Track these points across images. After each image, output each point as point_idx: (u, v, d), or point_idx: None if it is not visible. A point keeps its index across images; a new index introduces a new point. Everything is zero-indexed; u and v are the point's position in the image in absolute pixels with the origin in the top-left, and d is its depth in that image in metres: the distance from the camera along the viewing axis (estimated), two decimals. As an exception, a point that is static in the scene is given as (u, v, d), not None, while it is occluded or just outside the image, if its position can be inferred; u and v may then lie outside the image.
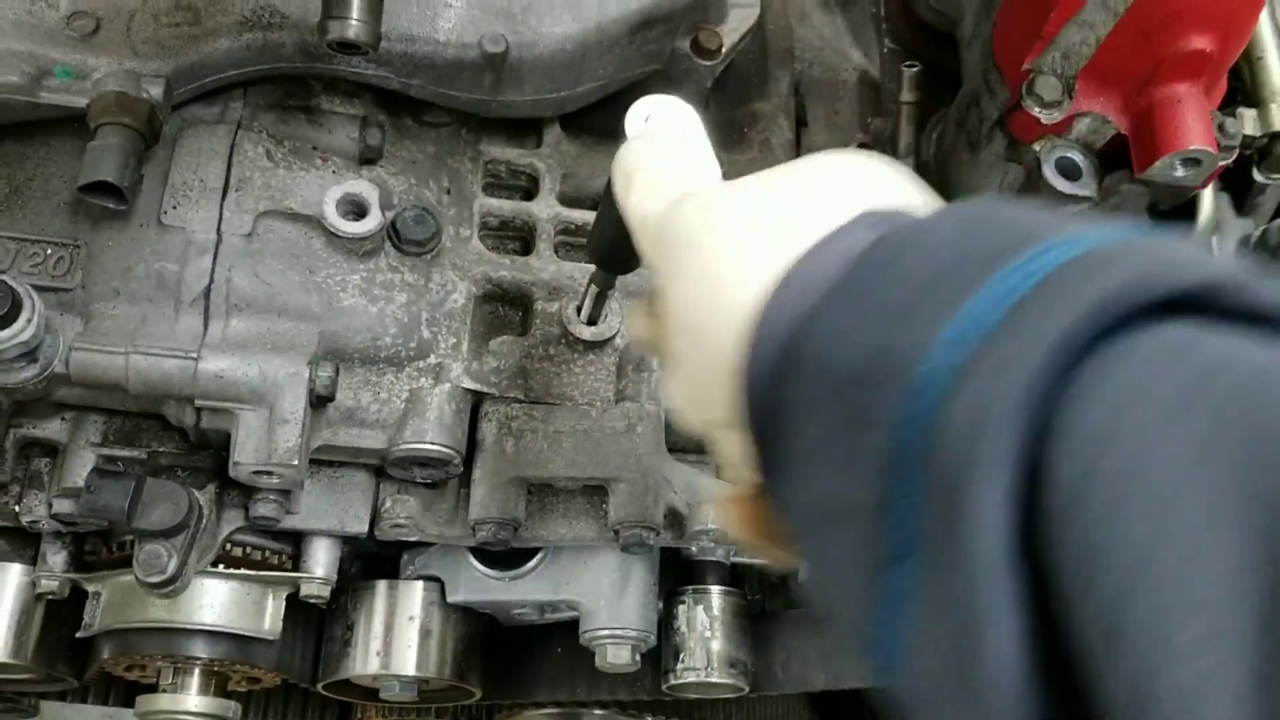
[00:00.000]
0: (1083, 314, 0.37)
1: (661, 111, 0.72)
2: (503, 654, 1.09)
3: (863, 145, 1.07)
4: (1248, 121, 0.88)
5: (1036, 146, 0.83)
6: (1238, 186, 0.99)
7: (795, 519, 0.48)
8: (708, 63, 1.03)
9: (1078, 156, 0.82)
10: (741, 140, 1.10)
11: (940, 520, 0.38)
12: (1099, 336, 0.37)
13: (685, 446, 0.99)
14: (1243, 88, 0.93)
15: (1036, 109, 0.80)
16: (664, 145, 0.65)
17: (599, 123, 1.05)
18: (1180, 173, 0.78)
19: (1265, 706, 0.31)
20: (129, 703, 1.15)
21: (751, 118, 1.10)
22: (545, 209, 1.01)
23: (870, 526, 0.41)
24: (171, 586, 0.88)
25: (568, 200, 1.03)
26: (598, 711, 1.15)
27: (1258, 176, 0.95)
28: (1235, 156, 0.82)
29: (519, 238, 1.03)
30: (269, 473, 0.86)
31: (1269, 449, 0.33)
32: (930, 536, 0.38)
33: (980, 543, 0.36)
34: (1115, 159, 0.82)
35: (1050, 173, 0.81)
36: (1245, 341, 0.37)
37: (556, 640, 1.08)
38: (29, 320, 0.80)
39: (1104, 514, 0.34)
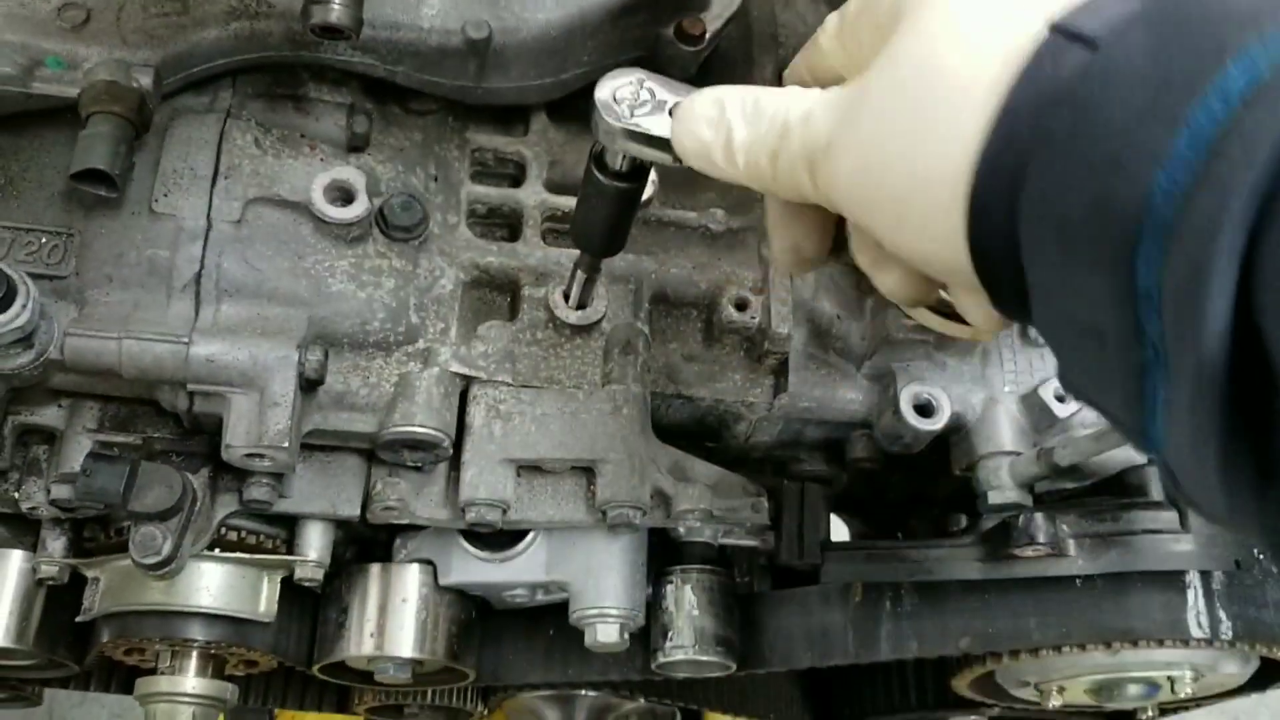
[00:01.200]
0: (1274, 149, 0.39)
1: (621, 79, 0.73)
2: (495, 637, 1.11)
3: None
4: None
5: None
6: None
7: (1050, 340, 0.51)
8: (692, 49, 1.04)
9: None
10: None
11: (1177, 342, 0.42)
12: None
13: (670, 431, 1.01)
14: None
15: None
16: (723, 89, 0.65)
17: (585, 110, 1.05)
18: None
19: None
20: (129, 689, 1.17)
21: (736, 104, 1.11)
22: (532, 196, 1.03)
23: (1125, 344, 0.45)
24: (167, 568, 0.89)
25: (555, 187, 1.04)
26: (590, 694, 1.16)
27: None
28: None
29: (506, 225, 1.04)
30: (260, 455, 0.87)
31: None
32: (1172, 355, 0.43)
33: (1209, 368, 0.40)
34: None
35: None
36: None
37: (548, 623, 1.10)
38: (24, 305, 0.82)
39: None
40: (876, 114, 0.55)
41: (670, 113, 0.69)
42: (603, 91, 0.70)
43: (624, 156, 0.75)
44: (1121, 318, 0.44)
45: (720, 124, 0.63)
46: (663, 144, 0.69)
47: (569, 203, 1.03)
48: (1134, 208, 0.43)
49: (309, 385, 0.89)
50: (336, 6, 0.79)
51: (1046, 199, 0.47)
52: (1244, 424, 0.41)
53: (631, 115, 0.70)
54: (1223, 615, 0.90)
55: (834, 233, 0.69)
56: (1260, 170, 0.39)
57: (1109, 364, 0.47)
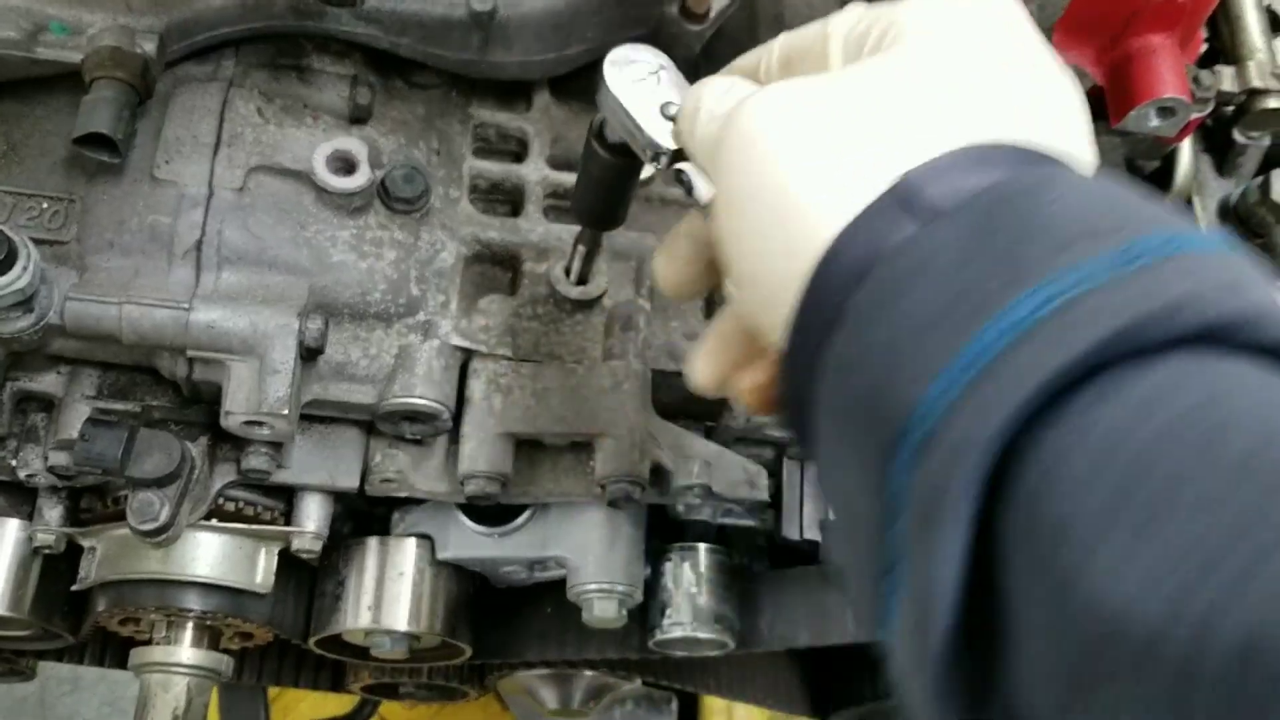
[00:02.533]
0: (1040, 384, 0.39)
1: (640, 58, 0.72)
2: (492, 615, 1.11)
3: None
4: (1225, 78, 0.89)
5: (1014, 100, 0.84)
6: (1219, 150, 1.00)
7: (824, 493, 0.52)
8: (696, 27, 1.04)
9: (1055, 109, 0.83)
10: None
11: (917, 549, 0.42)
12: (1079, 385, 0.40)
13: (670, 410, 1.01)
14: (1222, 48, 0.94)
15: (1013, 60, 0.81)
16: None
17: (588, 87, 1.05)
18: (1155, 122, 0.79)
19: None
20: (123, 662, 1.16)
21: (740, 84, 1.11)
22: (534, 172, 1.03)
23: (875, 534, 0.44)
24: (164, 535, 0.89)
25: (557, 164, 1.04)
26: (588, 672, 1.16)
27: (1238, 136, 0.96)
28: (1211, 110, 0.83)
29: (508, 200, 1.04)
30: (260, 423, 0.87)
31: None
32: (910, 557, 0.42)
33: (940, 582, 0.40)
34: (1092, 112, 0.83)
35: (1028, 126, 0.82)
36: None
37: (546, 601, 1.10)
38: (24, 268, 0.81)
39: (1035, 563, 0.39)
40: (734, 192, 0.55)
41: (665, 115, 0.68)
42: (613, 65, 0.70)
43: None
44: (873, 513, 0.44)
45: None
46: (649, 144, 0.68)
47: (571, 179, 1.02)
48: (902, 411, 0.42)
49: (309, 354, 0.89)
50: (342, -29, 0.79)
51: (834, 373, 0.47)
52: (961, 680, 0.41)
53: (635, 99, 0.70)
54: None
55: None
56: (1016, 406, 0.39)
57: (860, 549, 0.46)
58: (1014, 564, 0.40)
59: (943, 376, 0.41)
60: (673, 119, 0.67)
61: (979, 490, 0.39)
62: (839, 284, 0.47)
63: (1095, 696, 0.36)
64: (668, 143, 0.67)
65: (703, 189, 0.64)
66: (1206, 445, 0.37)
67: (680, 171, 0.65)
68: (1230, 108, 0.94)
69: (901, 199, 0.47)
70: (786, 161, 0.51)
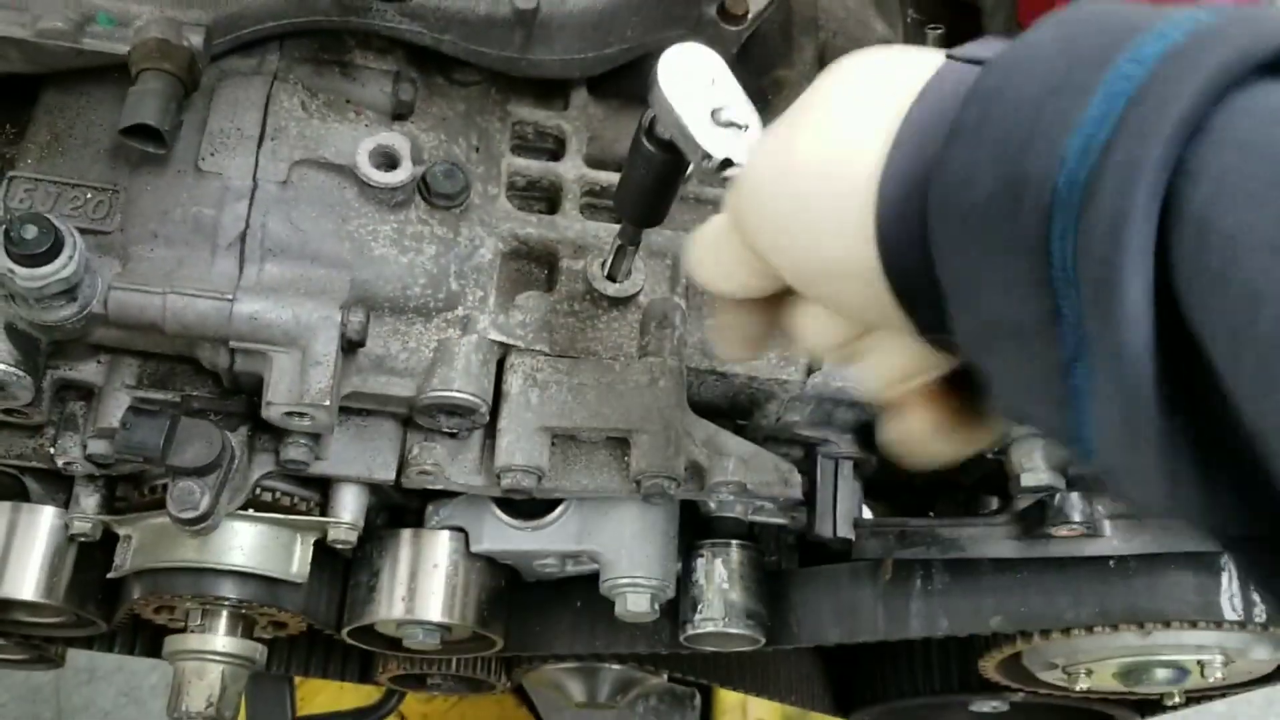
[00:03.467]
0: (1196, 94, 0.39)
1: (695, 60, 0.73)
2: (523, 608, 1.11)
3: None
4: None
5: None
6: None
7: (973, 351, 0.50)
8: (734, 28, 1.04)
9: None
10: (766, 107, 1.11)
11: (1098, 320, 0.41)
12: (1217, 105, 0.40)
13: (703, 408, 1.02)
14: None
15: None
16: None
17: (625, 86, 1.07)
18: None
19: None
20: (154, 651, 1.17)
21: (776, 85, 1.12)
22: (571, 170, 1.03)
23: (1046, 337, 0.44)
24: (204, 524, 0.90)
25: (593, 162, 1.05)
26: (615, 666, 1.17)
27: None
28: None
29: (545, 198, 1.05)
30: (301, 414, 0.88)
31: None
32: (1093, 335, 0.42)
33: (1133, 339, 0.39)
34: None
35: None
36: None
37: (576, 595, 1.10)
38: (70, 258, 0.82)
39: (1219, 274, 0.38)
40: (782, 134, 0.56)
41: (716, 121, 0.68)
42: (667, 65, 0.70)
43: None
44: (1039, 306, 0.43)
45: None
46: (696, 149, 0.68)
47: (607, 177, 1.03)
48: (1046, 179, 0.42)
49: (350, 347, 0.90)
50: (392, -33, 0.79)
51: (954, 190, 0.46)
52: (1177, 400, 0.40)
53: (687, 101, 0.70)
54: (1256, 598, 0.91)
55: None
56: (1181, 111, 0.39)
57: (1033, 366, 0.45)
58: (1197, 286, 0.39)
59: (1082, 128, 0.41)
60: (725, 125, 0.67)
61: (1156, 216, 0.39)
62: (932, 116, 0.48)
63: None
64: (718, 150, 0.68)
65: None
66: None
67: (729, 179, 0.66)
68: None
69: (958, 65, 0.49)
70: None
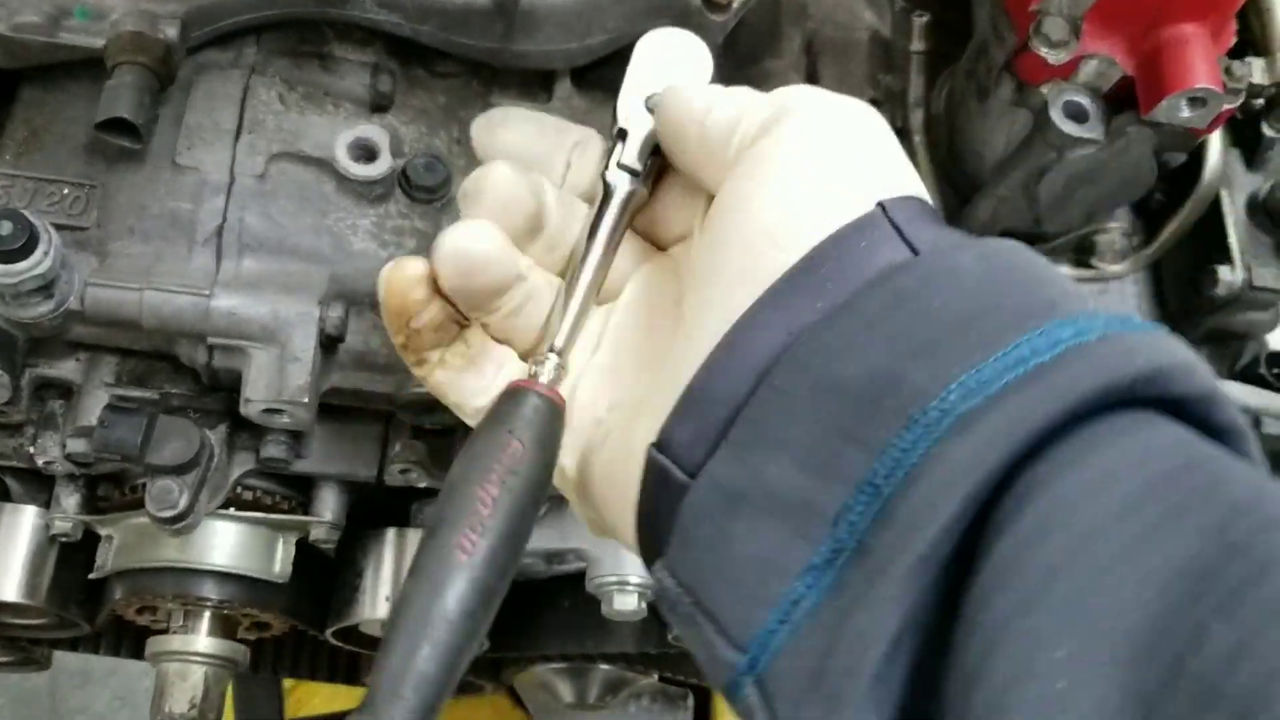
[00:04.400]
0: (1066, 405, 0.42)
1: (675, 44, 0.72)
2: (510, 608, 1.10)
3: (873, 101, 1.07)
4: (1256, 70, 0.88)
5: (1044, 90, 0.83)
6: (1247, 144, 0.99)
7: (708, 503, 0.49)
8: (719, 17, 1.03)
9: (1085, 100, 0.82)
10: (752, 99, 1.10)
11: (890, 542, 0.42)
12: (1073, 423, 0.42)
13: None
14: (1252, 40, 0.93)
15: (1044, 49, 0.80)
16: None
17: (609, 77, 1.05)
18: (1186, 113, 0.78)
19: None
20: (138, 653, 1.16)
21: (763, 75, 1.10)
22: (556, 162, 1.02)
23: (807, 529, 0.44)
24: (183, 523, 0.89)
25: (578, 154, 1.03)
26: (605, 666, 1.15)
27: (1267, 130, 0.95)
28: (1242, 101, 0.81)
29: (530, 191, 1.03)
30: (280, 410, 0.87)
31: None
32: (865, 553, 0.42)
33: (905, 579, 0.41)
34: (1122, 103, 0.82)
35: (1058, 116, 0.81)
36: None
37: (564, 595, 1.09)
38: (45, 253, 0.81)
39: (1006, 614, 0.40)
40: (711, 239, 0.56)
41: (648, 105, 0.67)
42: (646, 40, 0.69)
43: None
44: (835, 497, 0.44)
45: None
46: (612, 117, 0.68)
47: (592, 170, 1.02)
48: (921, 396, 0.43)
49: (329, 342, 0.89)
50: (367, -45, 0.78)
51: (820, 358, 0.47)
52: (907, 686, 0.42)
53: (640, 73, 0.69)
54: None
55: None
56: (1054, 414, 0.42)
57: (772, 544, 0.45)
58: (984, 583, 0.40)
59: (985, 370, 0.43)
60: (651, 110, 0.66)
61: (991, 491, 0.41)
62: (819, 279, 0.49)
63: None
64: (625, 120, 0.66)
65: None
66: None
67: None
68: (1260, 101, 0.93)
69: (885, 222, 0.50)
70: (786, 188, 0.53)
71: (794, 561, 0.44)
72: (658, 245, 0.67)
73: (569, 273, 0.63)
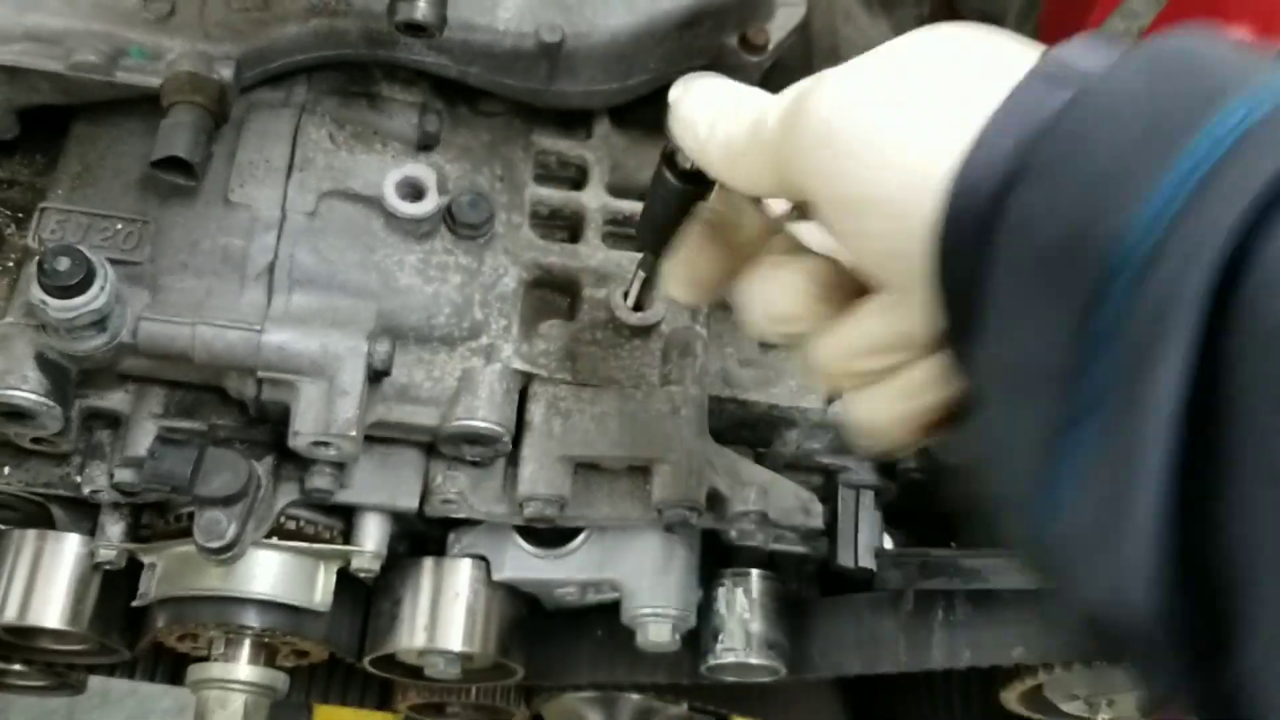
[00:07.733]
0: (1267, 184, 0.39)
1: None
2: (543, 638, 1.11)
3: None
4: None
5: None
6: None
7: (982, 381, 0.49)
8: (755, 58, 1.05)
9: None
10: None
11: (1125, 387, 0.41)
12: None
13: (722, 436, 1.02)
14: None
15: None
16: (713, 82, 0.65)
17: (647, 116, 1.07)
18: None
19: None
20: (174, 678, 1.18)
21: (796, 115, 1.13)
22: (594, 199, 1.04)
23: (1060, 388, 0.44)
24: (229, 553, 0.90)
25: (616, 191, 1.05)
26: (635, 695, 1.17)
27: None
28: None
29: (567, 227, 1.05)
30: (327, 443, 0.89)
31: None
32: (1115, 399, 0.42)
33: (1157, 413, 0.39)
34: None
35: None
36: None
37: (596, 624, 1.10)
38: (101, 289, 0.83)
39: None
40: (880, 71, 0.54)
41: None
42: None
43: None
44: (1068, 356, 0.43)
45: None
46: None
47: (630, 206, 1.04)
48: (1113, 240, 0.42)
49: (375, 376, 0.91)
50: (422, 4, 0.80)
51: (1023, 228, 0.46)
52: (1184, 505, 0.40)
53: None
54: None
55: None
56: (1247, 200, 0.39)
57: (1033, 413, 0.45)
58: (1241, 378, 0.38)
59: (1156, 197, 0.42)
60: None
61: (1209, 302, 0.39)
62: (1009, 141, 0.47)
63: None
64: None
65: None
66: None
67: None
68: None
69: (1050, 75, 0.48)
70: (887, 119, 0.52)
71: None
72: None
73: None
